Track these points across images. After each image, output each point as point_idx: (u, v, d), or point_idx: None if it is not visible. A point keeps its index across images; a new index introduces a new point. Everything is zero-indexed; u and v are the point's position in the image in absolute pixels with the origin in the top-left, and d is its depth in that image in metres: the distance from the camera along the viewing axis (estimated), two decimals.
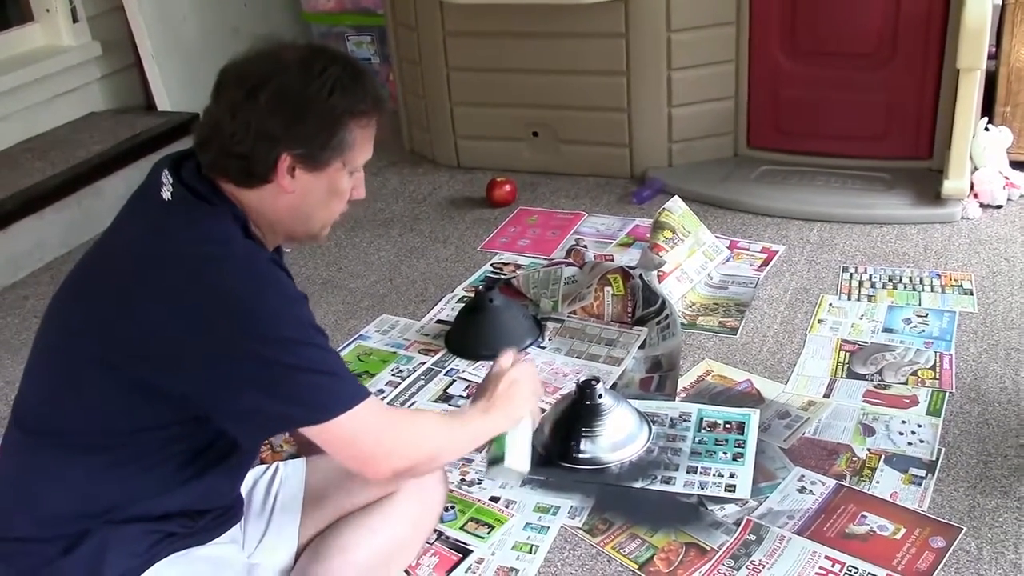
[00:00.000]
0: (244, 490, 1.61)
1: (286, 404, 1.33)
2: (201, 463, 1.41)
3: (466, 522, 1.94)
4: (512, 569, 1.82)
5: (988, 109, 3.21)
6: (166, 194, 1.39)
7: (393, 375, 2.46)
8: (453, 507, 1.96)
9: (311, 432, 1.36)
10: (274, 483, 1.68)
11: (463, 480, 2.05)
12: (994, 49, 3.17)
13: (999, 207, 3.09)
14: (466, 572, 1.82)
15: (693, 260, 2.77)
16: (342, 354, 2.48)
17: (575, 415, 2.11)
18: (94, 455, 1.37)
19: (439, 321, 2.71)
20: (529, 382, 1.66)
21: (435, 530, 1.86)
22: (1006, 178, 3.13)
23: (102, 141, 3.57)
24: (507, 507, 1.97)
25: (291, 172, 1.38)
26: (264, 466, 1.72)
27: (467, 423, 1.58)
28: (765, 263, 2.89)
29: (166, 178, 1.40)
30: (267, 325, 1.31)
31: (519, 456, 1.61)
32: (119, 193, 3.26)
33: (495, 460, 1.60)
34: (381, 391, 2.37)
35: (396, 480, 1.45)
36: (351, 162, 1.43)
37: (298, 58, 1.39)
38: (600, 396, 2.11)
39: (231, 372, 1.30)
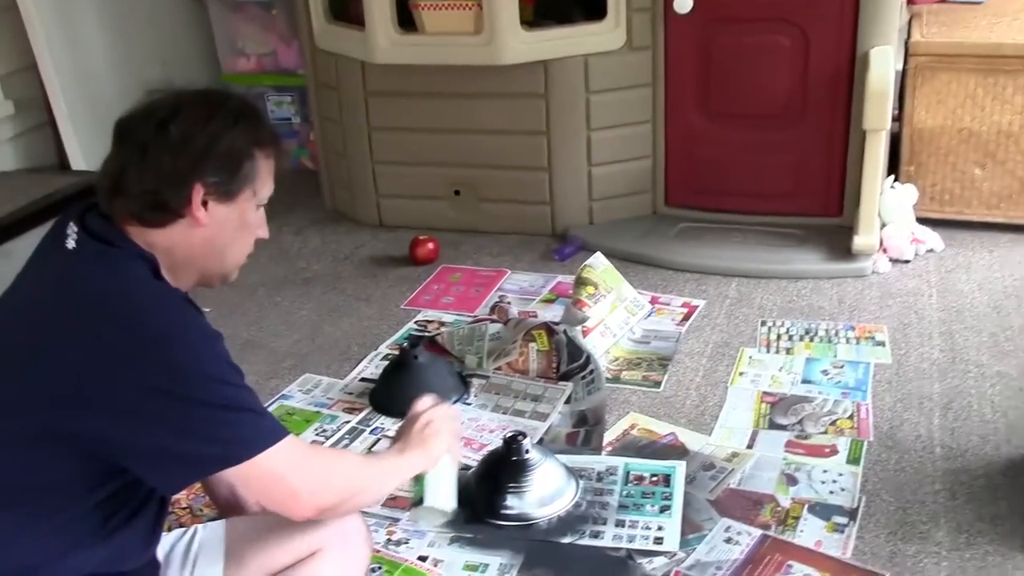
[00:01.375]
0: (161, 554, 1.55)
1: (206, 443, 1.29)
2: (114, 522, 1.36)
3: None
4: None
5: (893, 168, 3.34)
6: (71, 243, 1.38)
7: (317, 435, 2.41)
8: (379, 567, 1.92)
9: (232, 473, 1.33)
10: (192, 546, 1.62)
11: (389, 540, 2.01)
12: (897, 111, 3.31)
13: (907, 262, 3.20)
14: None
15: (616, 315, 2.80)
16: None
17: (502, 470, 2.10)
18: (3, 512, 1.31)
19: (363, 379, 2.68)
20: (446, 422, 1.66)
21: None
22: (912, 234, 3.25)
23: (13, 201, 3.46)
24: (435, 566, 1.94)
25: (204, 204, 1.39)
26: (182, 529, 1.66)
27: (384, 461, 1.59)
28: (686, 318, 2.93)
29: (71, 228, 1.39)
30: (183, 362, 1.28)
31: (440, 495, 1.60)
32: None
33: (416, 502, 1.59)
34: None
35: (321, 518, 1.43)
36: (259, 192, 1.46)
37: (197, 94, 1.44)
38: (527, 451, 2.10)
39: (147, 411, 1.27)
